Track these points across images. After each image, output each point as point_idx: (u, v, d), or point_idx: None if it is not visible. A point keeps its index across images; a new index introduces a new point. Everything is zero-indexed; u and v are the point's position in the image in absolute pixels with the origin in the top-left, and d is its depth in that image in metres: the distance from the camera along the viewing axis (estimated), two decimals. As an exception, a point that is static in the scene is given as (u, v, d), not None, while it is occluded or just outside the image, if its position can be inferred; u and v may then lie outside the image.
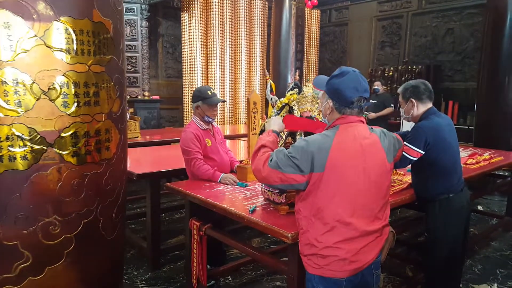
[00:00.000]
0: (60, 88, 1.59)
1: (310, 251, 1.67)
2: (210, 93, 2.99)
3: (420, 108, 2.53)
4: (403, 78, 8.00)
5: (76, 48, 1.63)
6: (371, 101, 5.12)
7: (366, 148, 1.64)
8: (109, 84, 1.78)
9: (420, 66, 7.94)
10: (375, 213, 1.69)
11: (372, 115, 6.36)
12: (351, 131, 1.64)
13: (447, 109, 7.62)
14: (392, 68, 8.32)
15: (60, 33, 1.58)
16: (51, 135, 1.59)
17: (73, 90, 1.63)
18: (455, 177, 2.50)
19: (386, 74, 8.36)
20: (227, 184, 2.76)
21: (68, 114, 1.63)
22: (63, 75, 1.60)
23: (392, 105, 6.50)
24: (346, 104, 1.65)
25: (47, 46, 1.56)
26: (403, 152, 2.44)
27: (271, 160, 1.64)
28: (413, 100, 2.52)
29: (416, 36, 8.52)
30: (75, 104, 1.64)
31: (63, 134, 1.62)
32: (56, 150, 1.61)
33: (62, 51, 1.59)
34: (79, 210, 1.69)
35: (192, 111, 3.11)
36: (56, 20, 1.57)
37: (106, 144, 1.78)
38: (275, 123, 1.97)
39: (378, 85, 6.62)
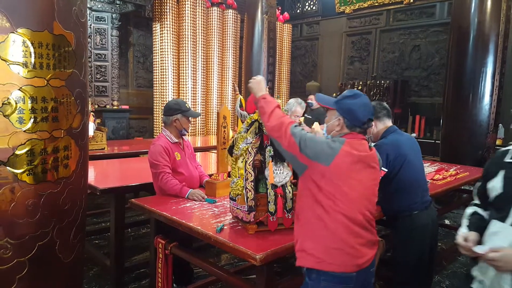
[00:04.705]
0: (16, 103, 1.51)
1: (309, 246, 1.70)
2: (188, 106, 3.03)
3: (379, 125, 2.61)
4: (372, 92, 8.16)
5: (34, 62, 1.55)
6: (305, 115, 4.94)
7: (367, 160, 1.75)
8: (70, 99, 1.70)
9: (388, 81, 8.13)
10: (369, 223, 1.77)
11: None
12: (357, 144, 1.75)
13: (414, 123, 7.82)
14: (361, 83, 8.49)
15: (17, 45, 1.50)
16: (4, 152, 1.50)
17: (29, 105, 1.54)
18: (418, 195, 2.53)
19: (355, 88, 8.50)
20: (195, 200, 2.70)
21: (24, 131, 1.53)
22: (19, 89, 1.51)
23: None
24: (357, 124, 1.78)
25: (2, 59, 1.47)
26: None
27: (295, 126, 1.75)
28: None
29: (384, 52, 8.74)
30: (32, 120, 1.55)
31: (17, 152, 1.52)
32: (10, 169, 1.51)
33: (19, 64, 1.51)
34: (33, 232, 1.59)
35: (163, 124, 3.04)
36: (13, 32, 1.49)
37: (65, 161, 1.69)
38: (261, 86, 2.00)
39: (312, 99, 5.61)
